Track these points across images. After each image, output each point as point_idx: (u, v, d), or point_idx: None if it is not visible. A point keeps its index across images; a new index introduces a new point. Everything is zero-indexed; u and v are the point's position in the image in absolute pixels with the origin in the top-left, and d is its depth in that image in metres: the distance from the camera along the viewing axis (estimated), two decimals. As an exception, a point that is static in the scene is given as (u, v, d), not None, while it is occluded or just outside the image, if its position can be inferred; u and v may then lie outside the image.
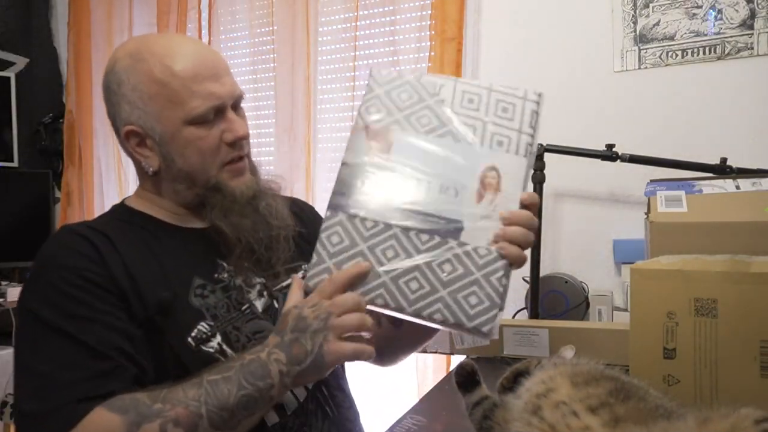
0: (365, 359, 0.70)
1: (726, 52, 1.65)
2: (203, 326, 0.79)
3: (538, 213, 1.62)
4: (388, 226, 0.71)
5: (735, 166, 1.45)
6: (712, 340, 0.72)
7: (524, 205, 0.70)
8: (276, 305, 0.88)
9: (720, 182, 1.16)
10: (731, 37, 1.64)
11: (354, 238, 0.71)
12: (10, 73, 2.55)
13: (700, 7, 1.67)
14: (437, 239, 0.69)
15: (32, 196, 2.56)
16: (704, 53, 1.67)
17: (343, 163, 0.75)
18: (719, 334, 0.71)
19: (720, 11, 1.65)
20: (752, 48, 1.62)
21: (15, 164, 2.57)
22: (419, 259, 0.69)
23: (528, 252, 0.72)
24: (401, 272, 0.69)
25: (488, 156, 0.71)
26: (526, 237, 0.70)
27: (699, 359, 0.72)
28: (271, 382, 0.69)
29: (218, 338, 0.79)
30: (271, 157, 2.26)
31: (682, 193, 1.14)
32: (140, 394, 0.69)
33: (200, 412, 0.67)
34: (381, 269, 0.69)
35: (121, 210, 0.89)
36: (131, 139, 0.84)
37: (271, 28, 2.24)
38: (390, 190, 0.72)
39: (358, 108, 0.76)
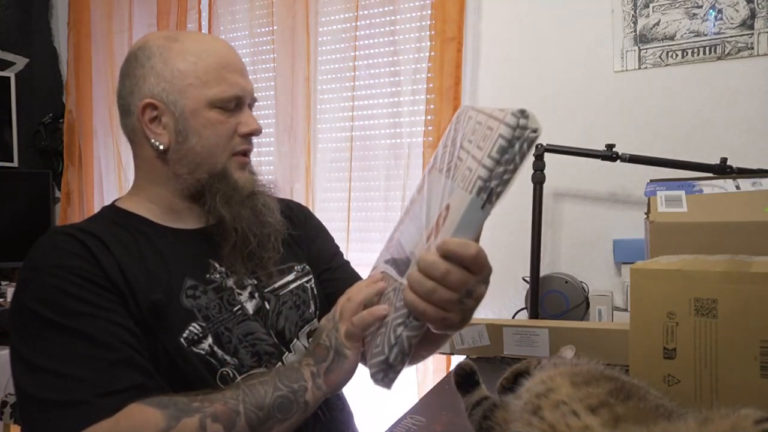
0: (381, 317, 0.69)
1: (726, 52, 1.65)
2: (195, 327, 0.78)
3: (538, 215, 1.65)
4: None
5: (735, 166, 1.45)
6: (712, 340, 0.72)
7: (444, 255, 0.59)
8: (267, 307, 0.87)
9: (720, 182, 1.16)
10: (731, 37, 1.64)
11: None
12: (10, 73, 2.55)
13: (700, 7, 1.67)
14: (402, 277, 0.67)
15: (32, 196, 2.55)
16: (704, 53, 1.67)
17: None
18: (719, 334, 0.71)
19: (720, 11, 1.65)
20: (752, 48, 1.62)
21: (15, 164, 2.57)
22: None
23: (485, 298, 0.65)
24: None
25: (450, 191, 0.61)
26: (426, 292, 0.60)
27: (699, 359, 0.72)
28: (304, 384, 0.72)
29: (209, 339, 0.79)
30: (271, 157, 2.26)
31: (682, 193, 1.14)
32: (176, 395, 0.69)
33: (238, 409, 0.68)
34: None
35: (110, 211, 0.88)
36: (147, 112, 0.84)
37: (271, 28, 2.24)
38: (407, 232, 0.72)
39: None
